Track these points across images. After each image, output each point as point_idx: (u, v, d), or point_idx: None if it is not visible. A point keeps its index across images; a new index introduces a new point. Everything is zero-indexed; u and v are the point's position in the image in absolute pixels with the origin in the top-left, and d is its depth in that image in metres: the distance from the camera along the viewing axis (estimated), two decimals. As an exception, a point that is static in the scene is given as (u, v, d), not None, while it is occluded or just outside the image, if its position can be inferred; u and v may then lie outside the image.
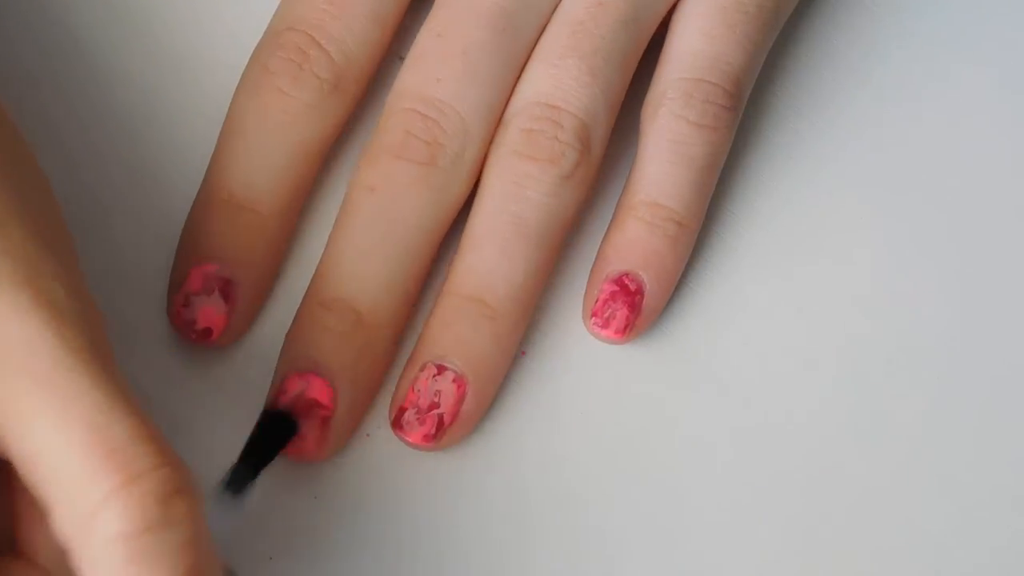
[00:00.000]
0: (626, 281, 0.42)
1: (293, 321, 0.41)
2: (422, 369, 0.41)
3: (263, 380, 0.41)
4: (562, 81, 0.41)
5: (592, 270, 0.42)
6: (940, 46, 0.46)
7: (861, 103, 0.46)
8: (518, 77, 0.42)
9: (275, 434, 0.39)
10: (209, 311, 0.40)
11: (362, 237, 0.41)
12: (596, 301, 0.42)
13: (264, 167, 0.41)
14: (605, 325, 0.42)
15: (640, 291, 0.42)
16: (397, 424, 0.41)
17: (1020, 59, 0.46)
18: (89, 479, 0.31)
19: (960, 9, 0.47)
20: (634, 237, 0.42)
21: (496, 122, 0.42)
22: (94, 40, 0.43)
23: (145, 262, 0.42)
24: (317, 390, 0.40)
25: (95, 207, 0.42)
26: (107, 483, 0.31)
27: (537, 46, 0.42)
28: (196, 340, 0.40)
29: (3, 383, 0.31)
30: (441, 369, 0.41)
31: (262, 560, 0.40)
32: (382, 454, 0.41)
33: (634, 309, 0.42)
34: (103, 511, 0.31)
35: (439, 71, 0.41)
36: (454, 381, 0.41)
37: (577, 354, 0.42)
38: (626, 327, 0.42)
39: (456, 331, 0.41)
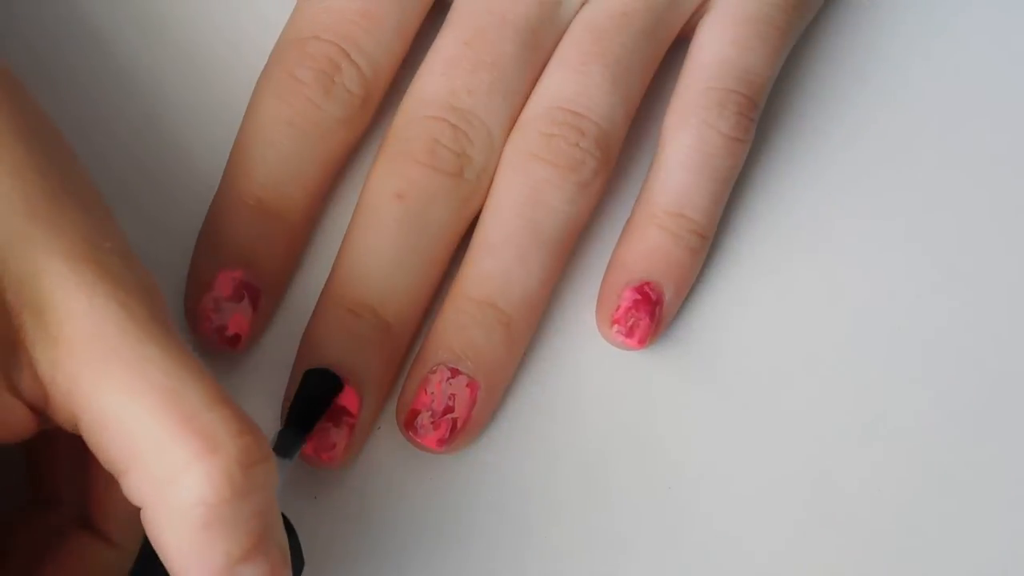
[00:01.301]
0: (648, 290, 0.41)
1: (314, 322, 0.40)
2: (434, 371, 0.40)
3: (263, 381, 0.40)
4: (585, 88, 0.41)
5: (609, 273, 0.42)
6: (941, 47, 0.46)
7: (861, 104, 0.45)
8: (535, 81, 0.42)
9: (320, 393, 0.38)
10: (239, 318, 0.40)
11: (390, 245, 0.40)
12: (618, 308, 0.41)
13: (294, 176, 0.40)
14: (629, 334, 0.41)
15: (660, 301, 0.41)
16: (410, 426, 0.40)
17: (1021, 60, 0.46)
18: (168, 444, 0.31)
19: (961, 10, 0.47)
20: (658, 247, 0.41)
21: (511, 128, 0.41)
22: (110, 40, 0.43)
23: (156, 263, 0.41)
24: (346, 397, 0.39)
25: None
26: (187, 448, 0.31)
27: (558, 49, 0.42)
28: (222, 346, 0.40)
29: (72, 357, 0.31)
30: (455, 373, 0.40)
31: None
32: (382, 454, 0.41)
33: (654, 319, 0.41)
34: (185, 476, 0.31)
35: (469, 82, 0.41)
36: (468, 385, 0.40)
37: (577, 355, 0.42)
38: (647, 336, 0.41)
39: (470, 335, 0.40)
